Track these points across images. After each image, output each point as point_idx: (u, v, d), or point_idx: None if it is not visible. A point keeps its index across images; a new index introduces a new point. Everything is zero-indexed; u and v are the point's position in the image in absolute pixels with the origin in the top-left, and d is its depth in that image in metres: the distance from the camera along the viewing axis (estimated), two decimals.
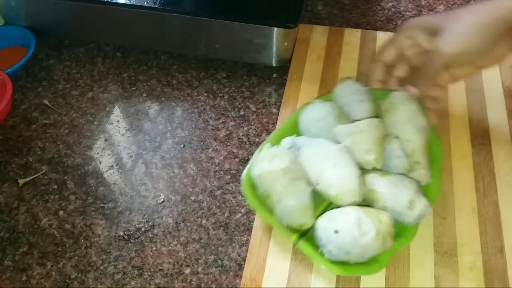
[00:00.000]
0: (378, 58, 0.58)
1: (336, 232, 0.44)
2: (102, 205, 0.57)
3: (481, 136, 0.60)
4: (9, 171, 0.61)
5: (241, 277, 0.50)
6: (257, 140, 0.62)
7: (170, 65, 0.72)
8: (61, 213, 0.57)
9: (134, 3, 0.66)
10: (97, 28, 0.73)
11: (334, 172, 0.48)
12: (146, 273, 0.52)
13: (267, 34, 0.64)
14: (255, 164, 0.50)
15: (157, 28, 0.69)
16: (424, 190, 0.50)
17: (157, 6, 0.65)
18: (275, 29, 0.63)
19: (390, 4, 0.80)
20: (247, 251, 0.51)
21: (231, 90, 0.68)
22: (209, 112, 0.66)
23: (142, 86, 0.70)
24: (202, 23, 0.66)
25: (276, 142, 0.54)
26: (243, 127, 0.64)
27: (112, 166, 0.61)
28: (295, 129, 0.56)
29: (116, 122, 0.66)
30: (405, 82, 0.56)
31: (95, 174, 0.60)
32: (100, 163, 0.61)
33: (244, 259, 0.51)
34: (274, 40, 0.65)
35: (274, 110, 0.65)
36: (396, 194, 0.48)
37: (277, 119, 0.64)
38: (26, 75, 0.72)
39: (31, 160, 0.62)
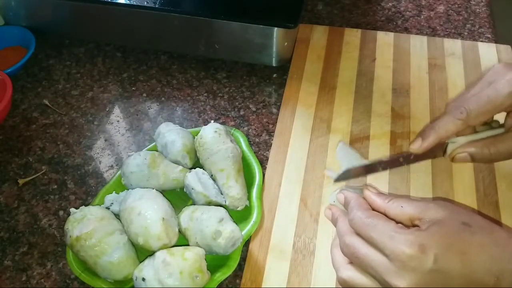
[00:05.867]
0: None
1: (143, 279, 0.44)
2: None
3: None
4: (9, 171, 0.61)
5: (241, 277, 0.50)
6: (257, 140, 0.62)
7: (170, 65, 0.72)
8: (61, 213, 0.57)
9: (134, 3, 0.66)
10: (97, 28, 0.73)
11: (138, 221, 0.47)
12: None
13: (267, 34, 0.64)
14: (66, 232, 0.49)
15: (157, 28, 0.69)
16: (246, 212, 0.52)
17: (157, 6, 0.65)
18: (275, 29, 0.63)
19: (390, 4, 0.80)
20: (247, 251, 0.51)
21: (231, 90, 0.68)
22: (209, 112, 0.66)
23: (142, 86, 0.70)
24: (202, 23, 0.66)
25: (102, 200, 0.54)
26: (243, 127, 0.64)
27: (112, 166, 0.61)
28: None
29: (116, 122, 0.66)
30: None
31: (95, 174, 0.60)
32: (100, 163, 0.61)
33: (244, 259, 0.51)
34: (274, 40, 0.65)
35: (274, 110, 0.65)
36: (201, 228, 0.48)
37: (277, 119, 0.64)
38: (26, 75, 0.72)
39: (31, 160, 0.62)
